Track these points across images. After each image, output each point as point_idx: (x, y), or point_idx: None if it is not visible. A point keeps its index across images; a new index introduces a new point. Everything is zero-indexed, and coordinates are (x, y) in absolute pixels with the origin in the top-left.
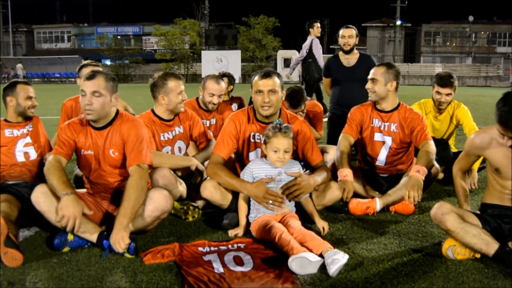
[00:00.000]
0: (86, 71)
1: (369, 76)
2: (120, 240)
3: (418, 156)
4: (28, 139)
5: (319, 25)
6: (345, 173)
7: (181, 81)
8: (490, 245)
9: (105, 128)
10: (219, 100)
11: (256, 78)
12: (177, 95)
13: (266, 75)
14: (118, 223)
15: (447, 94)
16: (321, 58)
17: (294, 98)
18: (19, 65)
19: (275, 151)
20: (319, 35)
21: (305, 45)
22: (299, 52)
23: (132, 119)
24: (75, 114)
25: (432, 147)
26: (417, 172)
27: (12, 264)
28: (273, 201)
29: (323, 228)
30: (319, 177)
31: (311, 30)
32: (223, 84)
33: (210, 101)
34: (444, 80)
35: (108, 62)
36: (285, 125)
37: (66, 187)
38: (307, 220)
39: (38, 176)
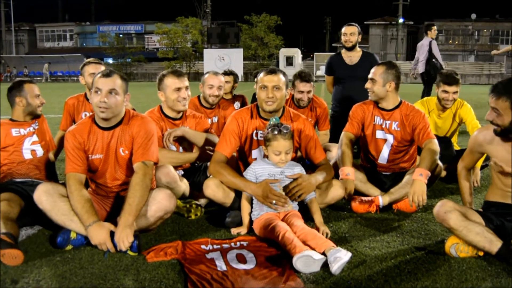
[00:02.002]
0: (89, 69)
1: (369, 76)
2: (124, 238)
3: (422, 156)
4: (35, 137)
5: (435, 27)
6: (347, 171)
7: (180, 79)
8: (493, 243)
9: (115, 127)
10: (219, 92)
11: (262, 74)
12: (172, 91)
13: (272, 72)
14: (123, 220)
15: (454, 92)
16: (440, 58)
17: (303, 72)
18: (46, 65)
19: (277, 154)
20: (434, 37)
21: (424, 46)
22: (301, 50)
23: (141, 117)
24: (77, 112)
25: (435, 146)
26: (420, 176)
27: (13, 263)
28: (277, 201)
29: (326, 233)
30: (321, 176)
31: (428, 32)
32: (222, 77)
33: (210, 94)
34: (450, 79)
35: (110, 61)
36: (283, 126)
37: (89, 217)
38: (310, 219)
39: (46, 173)
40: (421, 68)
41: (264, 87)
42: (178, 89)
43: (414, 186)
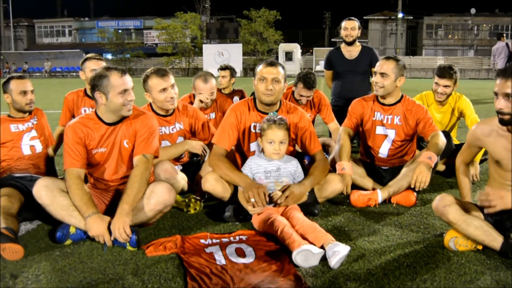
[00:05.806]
0: (90, 64)
1: (379, 70)
2: (120, 225)
3: (430, 144)
4: (34, 133)
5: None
6: (343, 166)
7: (164, 78)
8: (492, 237)
9: (118, 123)
10: (211, 98)
11: (261, 66)
12: (158, 93)
13: (271, 64)
14: (120, 210)
15: (445, 86)
16: None
17: (309, 78)
18: (48, 63)
19: (270, 143)
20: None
21: (501, 48)
22: (300, 45)
23: (143, 112)
24: (76, 108)
25: (442, 138)
26: (428, 159)
27: (13, 258)
28: (256, 201)
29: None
30: (310, 182)
31: (502, 38)
32: (213, 81)
33: (203, 100)
34: (443, 71)
35: (109, 56)
36: (279, 117)
37: (88, 208)
38: (308, 213)
39: (45, 169)
40: (500, 64)
41: (263, 79)
42: (164, 89)
43: (420, 167)
